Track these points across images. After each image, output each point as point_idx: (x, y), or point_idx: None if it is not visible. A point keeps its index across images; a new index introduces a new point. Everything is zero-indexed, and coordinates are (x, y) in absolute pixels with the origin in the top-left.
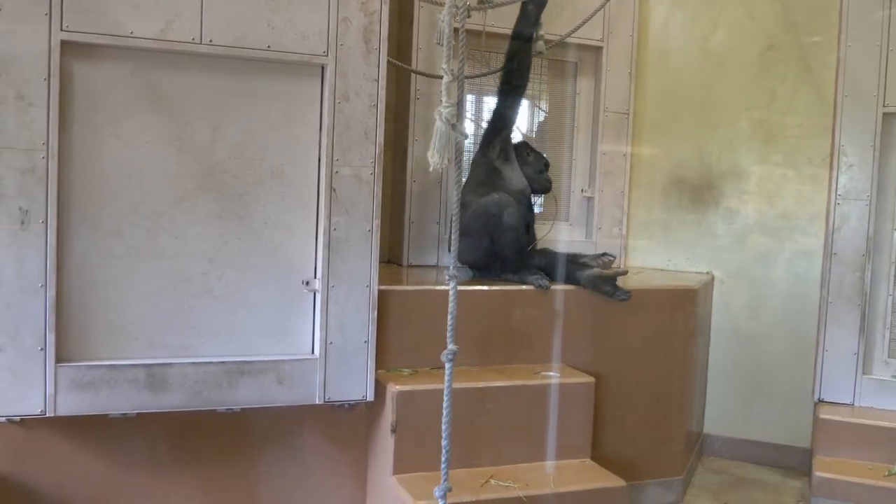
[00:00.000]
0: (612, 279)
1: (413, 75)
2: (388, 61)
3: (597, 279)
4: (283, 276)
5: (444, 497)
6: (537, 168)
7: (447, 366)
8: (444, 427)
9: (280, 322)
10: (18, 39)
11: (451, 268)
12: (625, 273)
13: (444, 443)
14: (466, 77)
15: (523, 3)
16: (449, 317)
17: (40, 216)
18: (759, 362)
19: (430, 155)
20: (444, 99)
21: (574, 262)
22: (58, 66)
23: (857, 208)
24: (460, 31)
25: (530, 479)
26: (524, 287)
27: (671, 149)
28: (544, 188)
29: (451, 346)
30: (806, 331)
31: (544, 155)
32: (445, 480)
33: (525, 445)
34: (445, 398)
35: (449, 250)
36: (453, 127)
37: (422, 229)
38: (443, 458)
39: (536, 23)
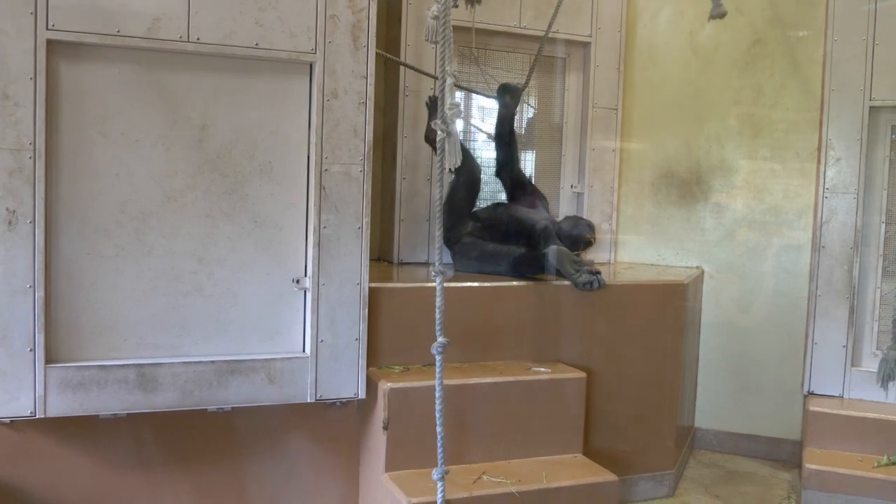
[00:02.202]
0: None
1: (402, 72)
2: (378, 53)
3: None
4: (273, 274)
5: (442, 479)
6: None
7: (437, 358)
8: (437, 416)
9: (271, 321)
10: (3, 38)
11: (436, 263)
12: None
13: (438, 429)
14: (458, 85)
15: (499, 98)
16: (437, 311)
17: (28, 216)
18: (749, 356)
19: (439, 157)
20: (447, 101)
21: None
22: (44, 65)
23: (845, 202)
24: (444, 26)
25: (523, 474)
26: (515, 283)
27: (660, 144)
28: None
29: (440, 339)
30: (795, 324)
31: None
32: (442, 464)
33: (517, 441)
34: (438, 388)
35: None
36: (441, 124)
37: (412, 226)
38: (438, 443)
39: (514, 112)
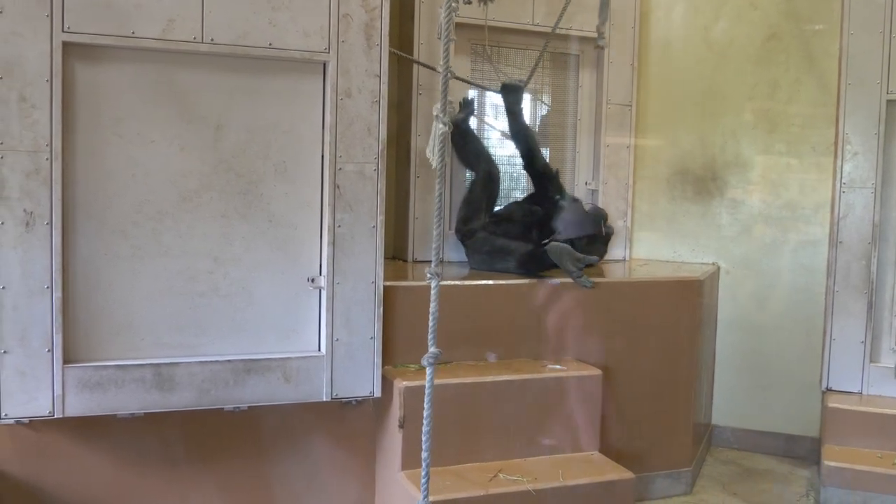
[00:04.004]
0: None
1: (415, 70)
2: (391, 52)
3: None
4: (288, 273)
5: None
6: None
7: (428, 370)
8: (424, 439)
9: (286, 320)
10: (20, 41)
11: (432, 265)
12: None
13: (424, 455)
14: (462, 79)
15: (504, 99)
16: (430, 318)
17: (45, 218)
18: (767, 352)
19: (428, 154)
20: (441, 97)
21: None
22: (60, 68)
23: (863, 196)
24: (448, 23)
25: (539, 472)
26: (529, 281)
27: (675, 140)
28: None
29: (432, 350)
30: (813, 320)
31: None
32: (426, 496)
33: (533, 439)
34: (426, 406)
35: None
36: (436, 118)
37: (426, 224)
38: (423, 469)
39: (520, 111)
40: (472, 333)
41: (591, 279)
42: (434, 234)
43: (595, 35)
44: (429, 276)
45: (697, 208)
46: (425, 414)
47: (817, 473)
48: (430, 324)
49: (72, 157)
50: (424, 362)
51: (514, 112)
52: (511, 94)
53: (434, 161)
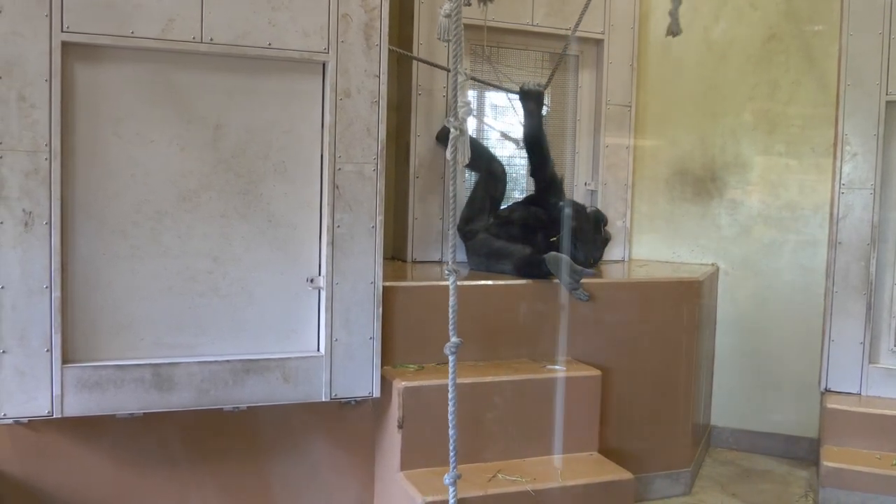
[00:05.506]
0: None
1: (414, 71)
2: (391, 50)
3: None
4: (287, 273)
5: (453, 484)
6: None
7: (451, 358)
8: (450, 418)
9: (285, 320)
10: (19, 41)
11: (450, 262)
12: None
13: (451, 432)
14: (475, 80)
15: (523, 104)
16: (450, 311)
17: (44, 217)
18: (766, 353)
19: (449, 154)
20: (458, 100)
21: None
22: (59, 67)
23: (862, 197)
24: (456, 24)
25: (538, 472)
26: (529, 281)
27: (674, 140)
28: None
29: (453, 339)
30: (812, 321)
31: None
32: (454, 468)
33: (532, 439)
34: (451, 390)
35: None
36: (454, 122)
37: (426, 225)
38: (451, 447)
39: (540, 117)
40: (472, 334)
41: (587, 292)
42: (450, 233)
43: (600, 35)
44: (447, 272)
45: (697, 209)
46: (450, 396)
47: (816, 474)
48: (451, 316)
49: (71, 157)
50: (447, 351)
51: (532, 117)
52: (531, 100)
53: (458, 162)
